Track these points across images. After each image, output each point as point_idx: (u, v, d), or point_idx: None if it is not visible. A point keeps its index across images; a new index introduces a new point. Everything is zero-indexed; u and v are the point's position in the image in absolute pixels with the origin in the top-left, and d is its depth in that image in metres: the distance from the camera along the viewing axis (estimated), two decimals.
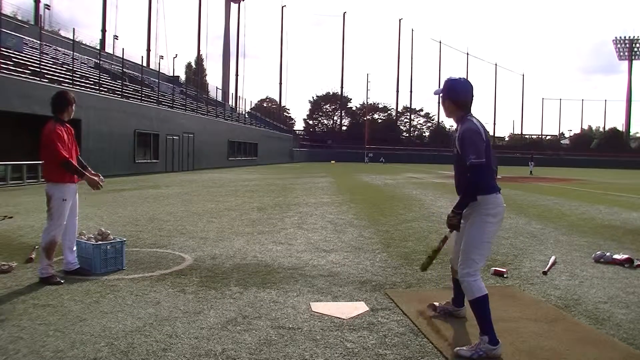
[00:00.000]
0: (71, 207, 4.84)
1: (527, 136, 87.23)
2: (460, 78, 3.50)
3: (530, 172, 35.14)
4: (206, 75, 69.99)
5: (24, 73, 19.41)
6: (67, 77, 23.06)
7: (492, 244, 3.41)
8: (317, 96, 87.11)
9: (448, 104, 3.44)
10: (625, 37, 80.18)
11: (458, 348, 3.17)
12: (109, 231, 5.42)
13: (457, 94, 3.40)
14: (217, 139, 36.54)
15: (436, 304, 3.91)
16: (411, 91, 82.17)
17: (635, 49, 79.06)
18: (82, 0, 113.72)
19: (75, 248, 4.95)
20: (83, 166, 4.94)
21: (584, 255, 6.34)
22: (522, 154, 65.36)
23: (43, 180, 4.90)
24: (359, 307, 4.05)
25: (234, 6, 72.41)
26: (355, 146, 71.27)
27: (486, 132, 3.34)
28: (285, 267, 5.41)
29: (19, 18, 32.61)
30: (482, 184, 3.23)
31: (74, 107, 4.95)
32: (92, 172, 4.95)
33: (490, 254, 3.39)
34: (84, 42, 35.90)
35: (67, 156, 4.70)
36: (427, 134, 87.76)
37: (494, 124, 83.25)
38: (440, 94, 3.47)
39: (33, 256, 5.44)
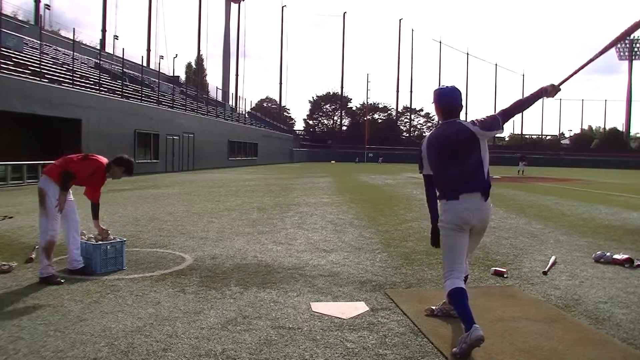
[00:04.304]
0: (69, 205, 4.85)
1: (527, 136, 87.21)
2: (444, 86, 3.68)
3: (522, 172, 33.58)
4: (206, 75, 70.10)
5: (24, 73, 19.40)
6: (67, 77, 23.06)
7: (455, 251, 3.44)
8: (317, 96, 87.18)
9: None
10: None
11: (453, 350, 3.15)
12: (109, 231, 5.42)
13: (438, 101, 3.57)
14: (217, 139, 36.53)
15: (433, 307, 3.88)
16: (411, 91, 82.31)
17: (636, 49, 78.99)
18: (83, 0, 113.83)
19: (79, 246, 4.97)
20: (95, 214, 5.19)
21: (584, 255, 6.34)
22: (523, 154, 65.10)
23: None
24: (359, 307, 4.05)
25: (234, 6, 72.44)
26: (355, 146, 71.24)
27: (441, 139, 3.47)
28: (285, 267, 5.41)
29: (19, 18, 32.64)
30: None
31: (121, 174, 5.06)
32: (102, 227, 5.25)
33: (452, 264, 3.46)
34: (84, 42, 35.93)
35: (77, 175, 4.81)
36: (427, 134, 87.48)
37: None
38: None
39: (33, 256, 5.44)
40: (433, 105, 3.59)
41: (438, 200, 3.49)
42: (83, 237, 5.21)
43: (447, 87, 3.61)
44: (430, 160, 3.51)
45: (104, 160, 5.01)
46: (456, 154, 3.38)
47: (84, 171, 4.84)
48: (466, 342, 3.04)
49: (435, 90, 3.60)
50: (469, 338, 3.03)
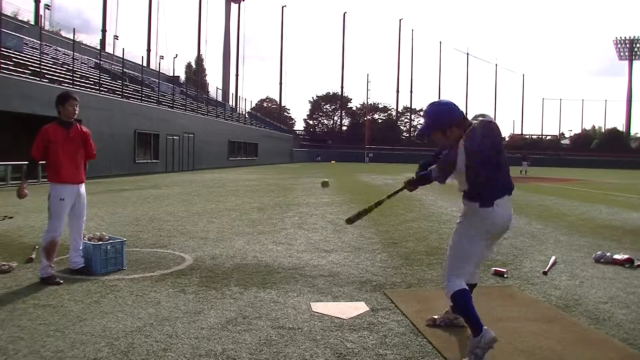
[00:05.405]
0: (75, 207, 4.86)
1: (527, 136, 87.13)
2: (437, 101, 3.37)
3: (525, 172, 33.59)
4: (206, 75, 70.12)
5: (24, 73, 19.40)
6: (67, 77, 23.06)
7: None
8: (317, 96, 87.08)
9: (451, 132, 3.18)
10: (625, 37, 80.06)
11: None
12: (105, 233, 5.44)
13: (455, 115, 3.18)
14: (217, 139, 36.53)
15: (435, 317, 3.68)
16: (411, 91, 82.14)
17: (636, 49, 78.91)
18: (83, 1, 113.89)
19: (81, 247, 4.98)
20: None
21: (584, 255, 6.34)
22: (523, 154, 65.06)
23: (43, 180, 4.95)
24: (359, 307, 4.05)
25: (234, 6, 72.50)
26: (356, 146, 71.22)
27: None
28: (285, 267, 5.41)
29: (20, 18, 32.67)
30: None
31: (68, 107, 4.91)
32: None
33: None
34: (84, 42, 35.95)
35: (35, 156, 4.79)
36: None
37: None
38: (431, 131, 3.25)
39: (33, 256, 5.45)
40: (452, 124, 3.17)
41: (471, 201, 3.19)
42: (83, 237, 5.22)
43: (440, 100, 3.41)
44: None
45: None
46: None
47: (37, 148, 4.76)
48: (479, 346, 2.90)
49: (438, 105, 3.31)
50: (482, 342, 2.90)
